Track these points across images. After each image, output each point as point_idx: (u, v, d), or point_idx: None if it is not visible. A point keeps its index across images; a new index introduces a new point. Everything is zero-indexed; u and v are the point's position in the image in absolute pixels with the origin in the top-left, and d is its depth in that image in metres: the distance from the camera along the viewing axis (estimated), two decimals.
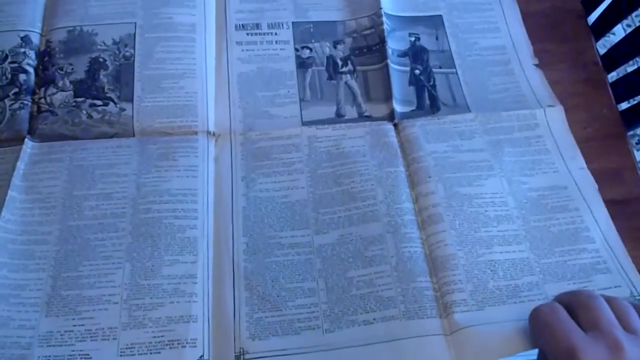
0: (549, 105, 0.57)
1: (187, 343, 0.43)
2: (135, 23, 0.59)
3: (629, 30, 0.79)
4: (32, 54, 0.57)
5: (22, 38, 0.57)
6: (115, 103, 0.55)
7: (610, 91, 0.59)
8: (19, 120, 0.54)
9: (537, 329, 0.38)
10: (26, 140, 0.52)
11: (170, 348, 0.43)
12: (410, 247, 0.48)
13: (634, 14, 1.42)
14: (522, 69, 0.60)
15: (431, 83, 0.58)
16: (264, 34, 0.61)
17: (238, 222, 0.50)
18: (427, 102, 0.57)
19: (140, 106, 0.55)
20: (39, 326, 0.44)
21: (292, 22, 0.62)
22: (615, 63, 0.64)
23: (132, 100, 0.55)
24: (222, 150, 0.54)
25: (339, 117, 0.56)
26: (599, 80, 0.60)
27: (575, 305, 0.37)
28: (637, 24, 0.87)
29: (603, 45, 0.82)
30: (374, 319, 0.45)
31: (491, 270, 0.47)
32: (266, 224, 0.50)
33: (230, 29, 0.61)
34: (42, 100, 0.55)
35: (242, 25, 0.61)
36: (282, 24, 0.61)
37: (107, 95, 0.56)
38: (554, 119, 0.56)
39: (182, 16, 0.60)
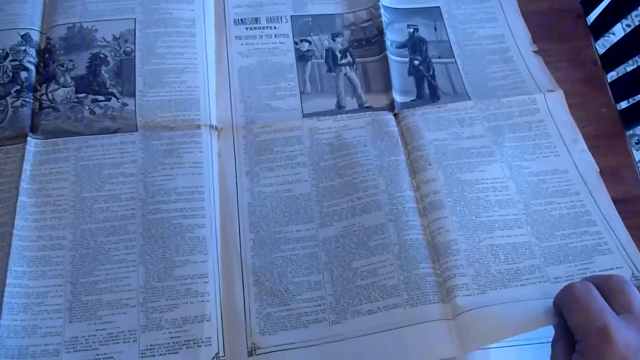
0: (549, 90, 0.58)
1: (202, 342, 0.45)
2: (135, 19, 0.59)
3: (628, 29, 0.80)
4: (32, 51, 0.57)
5: (22, 36, 0.57)
6: (117, 98, 0.56)
7: (610, 90, 0.60)
8: (22, 117, 0.54)
9: (569, 305, 0.38)
10: (29, 138, 0.52)
11: (187, 347, 0.45)
12: (412, 235, 0.49)
13: (633, 14, 1.43)
14: (521, 56, 0.60)
15: (430, 73, 0.59)
16: (263, 27, 0.61)
17: (244, 218, 0.50)
18: (427, 91, 0.58)
19: (143, 101, 0.55)
20: (64, 332, 0.45)
21: (291, 16, 0.62)
22: (615, 62, 0.64)
23: (134, 95, 0.56)
24: (225, 144, 0.54)
25: (339, 108, 0.57)
26: (598, 79, 0.60)
27: (607, 288, 0.38)
28: (637, 24, 0.88)
29: (602, 45, 0.83)
30: (378, 308, 0.46)
31: (492, 255, 0.48)
32: (271, 219, 0.50)
33: (229, 23, 0.61)
34: (44, 97, 0.55)
35: (241, 20, 0.62)
36: (281, 18, 0.62)
37: (109, 90, 0.56)
38: (555, 104, 0.57)
39: (182, 11, 0.60)
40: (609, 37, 1.15)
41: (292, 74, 0.59)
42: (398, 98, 0.57)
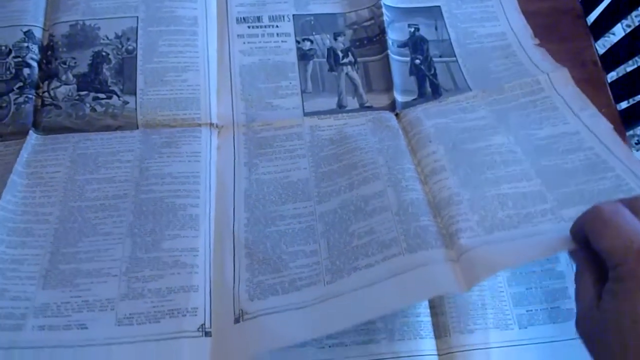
0: (552, 72, 0.56)
1: (187, 312, 0.43)
2: (137, 17, 0.60)
3: (628, 30, 0.80)
4: (35, 48, 0.57)
5: (25, 33, 0.58)
6: (118, 96, 0.56)
7: (610, 91, 0.59)
8: (24, 114, 0.54)
9: (598, 228, 0.33)
10: (30, 132, 0.53)
11: (170, 317, 0.43)
12: (412, 195, 0.46)
13: (633, 14, 1.42)
14: (523, 50, 0.60)
15: (432, 72, 0.59)
16: (265, 26, 0.61)
17: (239, 200, 0.49)
18: (429, 90, 0.58)
19: (144, 99, 0.55)
20: (35, 298, 0.43)
21: (293, 15, 0.62)
22: (615, 63, 0.64)
23: (135, 94, 0.56)
24: (225, 140, 0.54)
25: (340, 108, 0.57)
26: (598, 79, 0.60)
27: (637, 209, 0.33)
28: (637, 24, 0.88)
29: (602, 45, 0.83)
30: (376, 261, 0.43)
31: (499, 202, 0.45)
32: (268, 200, 0.49)
33: (231, 22, 0.62)
34: (46, 94, 0.55)
35: (244, 19, 0.62)
36: (283, 17, 0.62)
37: (111, 88, 0.56)
38: (559, 80, 0.55)
39: (184, 10, 0.60)
40: (609, 37, 1.15)
41: (294, 73, 0.59)
42: (399, 98, 0.57)
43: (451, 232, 0.43)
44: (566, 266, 0.47)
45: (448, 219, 0.44)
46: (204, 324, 0.43)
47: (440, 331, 0.45)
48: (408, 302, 0.42)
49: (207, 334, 0.42)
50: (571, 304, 0.46)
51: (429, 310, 0.45)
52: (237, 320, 0.42)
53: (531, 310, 0.46)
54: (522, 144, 0.50)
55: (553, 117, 0.52)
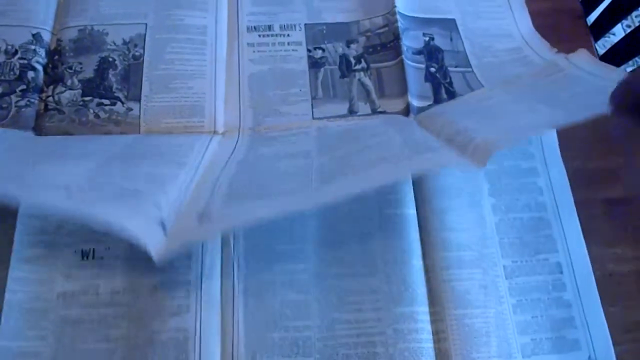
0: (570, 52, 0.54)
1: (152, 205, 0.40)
2: (146, 24, 0.59)
3: (628, 30, 0.78)
4: (42, 52, 0.56)
5: (33, 35, 0.57)
6: (122, 103, 0.54)
7: None
8: (24, 118, 0.52)
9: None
10: (29, 133, 0.51)
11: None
12: (420, 134, 0.45)
13: (633, 14, 1.42)
14: (541, 58, 0.57)
15: (447, 80, 0.56)
16: (276, 35, 0.60)
17: (232, 163, 0.47)
18: (445, 96, 0.55)
19: (148, 106, 0.54)
20: None
21: (305, 24, 0.61)
22: (615, 63, 0.62)
23: (139, 100, 0.54)
24: (228, 138, 0.52)
25: (351, 113, 0.54)
26: None
27: None
28: (637, 24, 0.86)
29: (603, 45, 0.80)
30: (375, 165, 0.40)
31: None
32: (263, 162, 0.47)
33: (242, 30, 0.60)
34: (50, 99, 0.54)
35: (254, 27, 0.60)
36: (295, 26, 0.61)
37: (115, 94, 0.55)
38: (579, 58, 0.52)
39: (194, 18, 0.59)
40: (609, 37, 1.13)
41: (304, 80, 0.57)
42: (415, 102, 0.54)
43: (463, 143, 0.40)
44: (573, 295, 0.45)
45: (459, 138, 0.41)
46: (163, 221, 0.40)
47: (442, 358, 0.42)
48: (405, 175, 0.40)
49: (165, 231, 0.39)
50: (577, 334, 0.44)
51: (431, 337, 0.42)
52: (200, 220, 0.39)
53: (535, 339, 0.43)
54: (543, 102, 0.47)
55: (575, 84, 0.49)
